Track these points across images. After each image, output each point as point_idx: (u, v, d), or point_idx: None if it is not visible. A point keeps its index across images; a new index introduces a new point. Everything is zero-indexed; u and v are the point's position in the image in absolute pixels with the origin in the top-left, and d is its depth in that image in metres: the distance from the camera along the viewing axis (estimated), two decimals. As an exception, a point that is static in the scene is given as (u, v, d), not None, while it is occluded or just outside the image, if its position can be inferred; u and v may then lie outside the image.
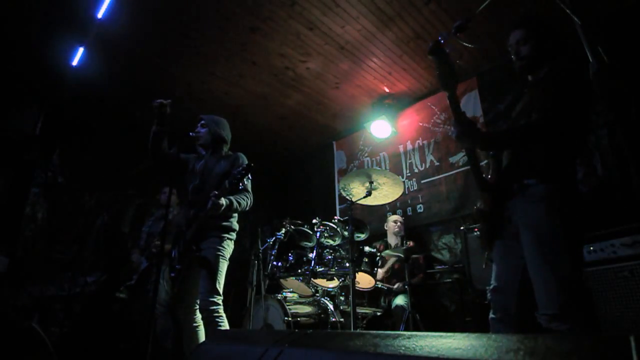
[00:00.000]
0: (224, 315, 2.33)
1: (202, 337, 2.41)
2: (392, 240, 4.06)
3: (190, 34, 3.64)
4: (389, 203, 3.61)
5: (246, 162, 2.62)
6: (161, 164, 2.61)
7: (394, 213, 4.53)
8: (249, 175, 2.27)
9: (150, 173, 3.46)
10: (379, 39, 3.79)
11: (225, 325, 2.31)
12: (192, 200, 2.56)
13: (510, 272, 1.71)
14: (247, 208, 2.55)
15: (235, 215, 2.58)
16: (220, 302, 2.34)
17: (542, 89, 1.65)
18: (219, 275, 2.37)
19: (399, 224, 4.03)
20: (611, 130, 3.14)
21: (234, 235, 2.55)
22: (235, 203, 2.42)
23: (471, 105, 4.22)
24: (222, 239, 2.45)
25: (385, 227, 4.18)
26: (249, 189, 2.57)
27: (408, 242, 3.50)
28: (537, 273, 1.54)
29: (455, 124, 1.61)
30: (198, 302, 2.45)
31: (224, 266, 2.42)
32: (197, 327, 2.43)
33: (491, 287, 1.77)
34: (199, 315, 2.44)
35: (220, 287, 2.37)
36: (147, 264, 3.77)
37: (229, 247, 2.49)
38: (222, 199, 2.33)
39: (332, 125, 5.40)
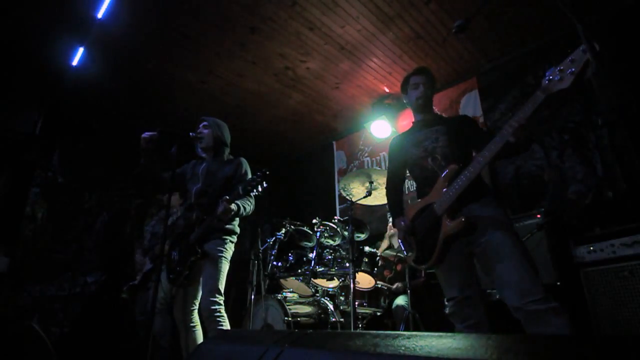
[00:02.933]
0: (225, 315, 2.34)
1: (199, 337, 2.43)
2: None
3: (190, 34, 3.64)
4: (389, 203, 3.60)
5: (248, 167, 2.66)
6: (158, 189, 2.64)
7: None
8: (264, 183, 2.26)
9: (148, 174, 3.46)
10: (379, 39, 3.79)
11: (226, 325, 2.32)
12: (196, 203, 2.58)
13: (470, 279, 1.83)
14: (250, 213, 2.58)
15: (238, 218, 2.60)
16: (221, 302, 2.36)
17: (454, 131, 2.06)
18: (220, 275, 2.39)
19: None
20: (611, 130, 3.14)
21: (235, 238, 2.58)
22: (241, 208, 2.46)
23: (471, 105, 4.22)
24: (224, 241, 2.47)
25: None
26: (252, 195, 2.59)
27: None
28: (514, 265, 1.64)
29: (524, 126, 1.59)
30: (196, 303, 2.48)
31: (225, 267, 2.44)
32: (194, 327, 2.45)
33: (457, 298, 1.82)
34: (196, 316, 2.47)
35: (221, 287, 2.39)
36: (152, 266, 3.76)
37: (230, 249, 2.52)
38: (232, 204, 2.35)
39: (332, 125, 5.39)
